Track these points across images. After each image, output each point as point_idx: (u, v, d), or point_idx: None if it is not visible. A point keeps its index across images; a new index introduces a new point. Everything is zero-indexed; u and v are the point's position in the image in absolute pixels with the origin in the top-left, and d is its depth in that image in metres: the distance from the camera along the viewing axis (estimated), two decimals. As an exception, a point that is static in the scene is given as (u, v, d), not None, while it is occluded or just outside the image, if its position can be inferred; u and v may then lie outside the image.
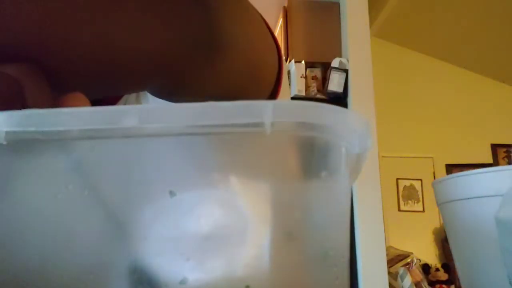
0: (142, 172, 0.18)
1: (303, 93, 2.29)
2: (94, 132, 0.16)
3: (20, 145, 0.16)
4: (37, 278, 0.17)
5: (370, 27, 2.38)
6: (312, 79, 2.35)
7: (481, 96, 3.40)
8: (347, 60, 2.27)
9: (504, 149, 3.34)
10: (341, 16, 2.43)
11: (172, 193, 0.17)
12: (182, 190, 0.17)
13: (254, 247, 0.17)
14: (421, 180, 3.20)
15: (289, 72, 2.36)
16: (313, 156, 0.18)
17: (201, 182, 0.18)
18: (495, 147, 3.34)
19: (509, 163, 3.32)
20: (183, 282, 0.17)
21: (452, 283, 2.80)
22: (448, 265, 2.85)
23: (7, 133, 0.16)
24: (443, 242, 2.98)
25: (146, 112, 0.16)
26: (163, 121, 0.16)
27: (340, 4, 2.45)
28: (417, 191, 3.20)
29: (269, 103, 0.16)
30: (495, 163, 3.27)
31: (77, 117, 0.16)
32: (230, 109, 0.16)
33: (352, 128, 0.18)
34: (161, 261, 0.17)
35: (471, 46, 3.19)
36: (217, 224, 0.17)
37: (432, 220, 3.03)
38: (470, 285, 0.42)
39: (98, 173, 0.17)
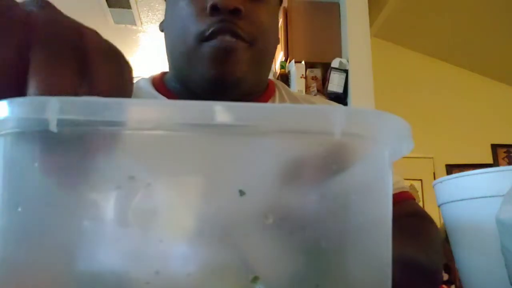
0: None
1: (303, 94, 2.28)
2: (149, 124, 0.15)
3: (72, 133, 0.15)
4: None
5: (370, 27, 2.38)
6: (312, 79, 2.35)
7: (481, 96, 3.40)
8: (347, 60, 2.27)
9: (504, 150, 3.33)
10: (341, 16, 2.43)
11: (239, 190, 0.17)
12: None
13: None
14: (421, 180, 3.19)
15: (289, 72, 2.36)
16: (356, 161, 0.17)
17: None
18: (495, 147, 3.33)
19: (509, 163, 3.31)
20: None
21: (452, 283, 2.79)
22: (448, 265, 2.84)
23: (59, 120, 0.15)
24: (443, 242, 2.97)
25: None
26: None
27: (340, 4, 2.45)
28: (417, 191, 3.19)
29: (341, 109, 0.16)
30: (495, 163, 3.26)
31: (129, 108, 0.15)
32: (299, 114, 0.16)
33: (394, 133, 0.17)
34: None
35: (471, 46, 3.19)
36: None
37: (432, 220, 3.02)
38: (470, 285, 0.42)
39: (154, 165, 0.17)
